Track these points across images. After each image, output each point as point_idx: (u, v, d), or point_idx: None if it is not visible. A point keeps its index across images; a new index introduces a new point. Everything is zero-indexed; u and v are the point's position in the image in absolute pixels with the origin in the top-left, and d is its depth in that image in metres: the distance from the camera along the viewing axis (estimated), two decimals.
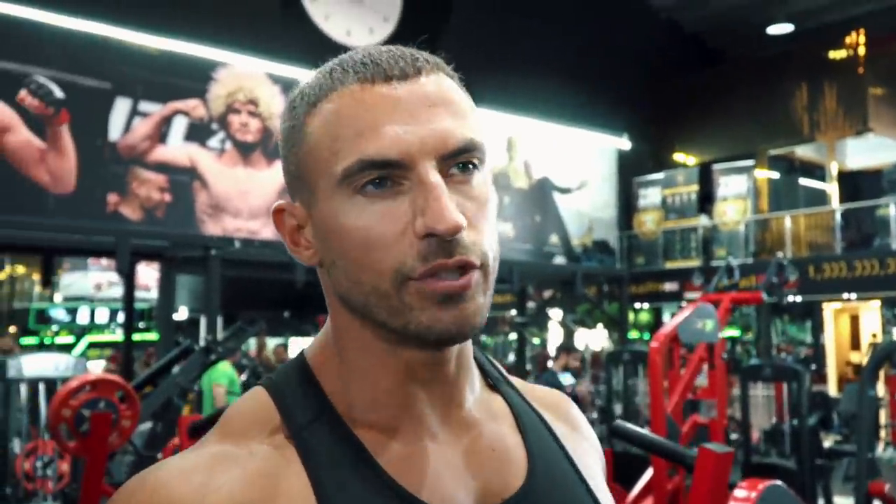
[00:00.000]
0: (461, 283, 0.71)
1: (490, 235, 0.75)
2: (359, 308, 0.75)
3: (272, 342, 15.90)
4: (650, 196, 17.35)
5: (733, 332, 18.86)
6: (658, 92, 18.14)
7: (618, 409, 10.64)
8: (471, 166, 0.74)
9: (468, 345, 0.81)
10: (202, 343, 7.01)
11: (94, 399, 4.90)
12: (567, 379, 7.67)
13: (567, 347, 9.17)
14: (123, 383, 5.14)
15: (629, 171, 17.42)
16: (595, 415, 11.51)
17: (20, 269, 19.24)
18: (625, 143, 17.39)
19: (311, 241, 0.78)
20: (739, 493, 2.97)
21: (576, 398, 7.54)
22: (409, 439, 0.77)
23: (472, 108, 0.78)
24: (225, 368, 8.18)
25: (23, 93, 10.46)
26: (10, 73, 10.43)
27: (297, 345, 18.48)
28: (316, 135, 0.75)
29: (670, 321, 6.19)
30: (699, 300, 6.72)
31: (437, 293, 0.70)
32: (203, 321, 10.78)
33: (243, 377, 10.90)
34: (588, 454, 0.89)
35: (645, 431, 3.54)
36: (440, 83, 0.75)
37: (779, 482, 3.07)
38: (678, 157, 18.35)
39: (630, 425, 3.29)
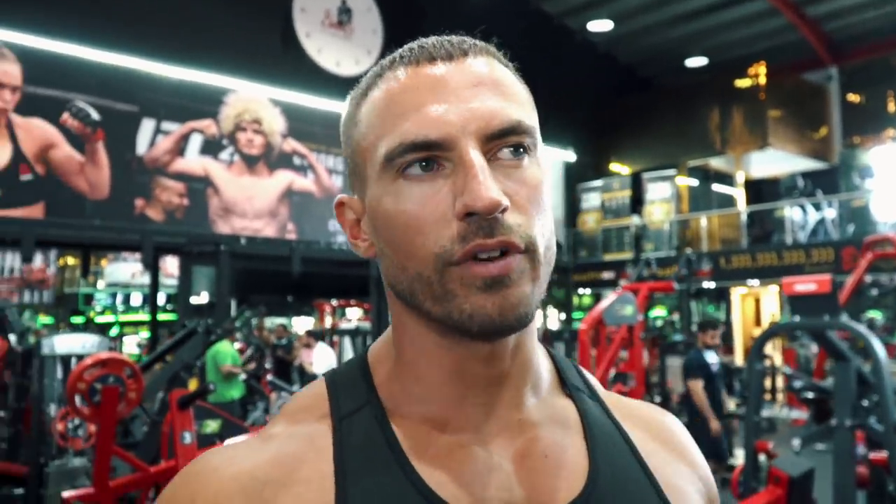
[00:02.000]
0: (500, 265, 0.56)
1: (541, 222, 0.59)
2: (405, 296, 0.61)
3: (276, 321, 15.79)
4: (591, 199, 17.29)
5: (661, 313, 18.89)
6: (598, 113, 18.10)
7: None
8: (521, 150, 0.60)
9: (528, 343, 0.64)
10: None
11: (104, 375, 4.78)
12: (711, 357, 6.47)
13: (706, 324, 7.76)
14: (130, 362, 4.99)
15: (574, 179, 17.39)
16: None
17: (71, 261, 19.13)
18: (570, 156, 17.35)
19: (367, 232, 0.65)
20: None
21: (712, 376, 6.34)
22: (453, 438, 0.62)
23: (525, 93, 0.64)
24: (227, 349, 8.02)
25: (65, 115, 10.54)
26: (54, 99, 10.47)
27: (299, 323, 18.36)
28: (364, 122, 0.62)
29: (597, 306, 6.11)
30: (622, 289, 6.65)
31: (477, 278, 0.56)
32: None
33: (249, 351, 10.77)
34: (683, 478, 0.68)
35: None
36: (489, 65, 0.62)
37: None
38: (614, 167, 18.31)
39: None
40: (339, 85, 13.12)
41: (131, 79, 10.99)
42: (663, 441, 0.71)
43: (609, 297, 6.00)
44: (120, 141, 10.96)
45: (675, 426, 0.74)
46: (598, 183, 17.31)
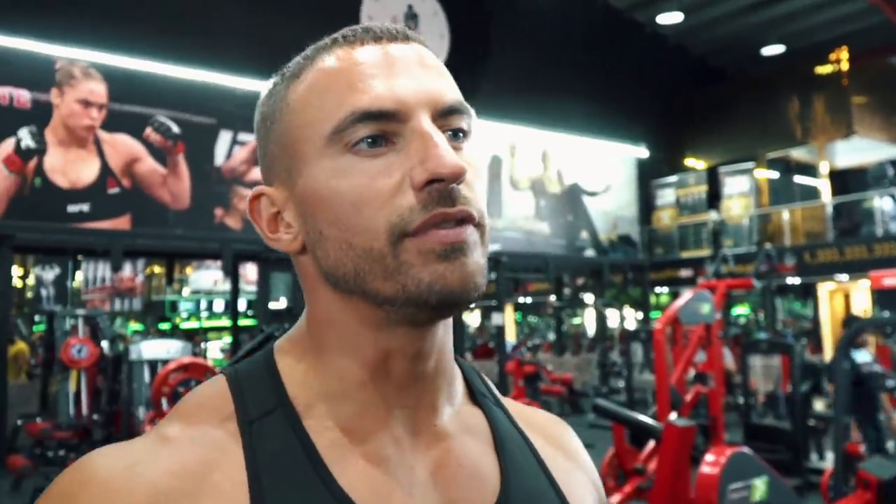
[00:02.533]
0: (458, 231, 0.56)
1: (484, 200, 0.60)
2: (349, 279, 0.58)
3: None
4: (666, 196, 16.92)
5: (744, 311, 18.32)
6: (670, 106, 17.70)
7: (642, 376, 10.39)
8: (461, 134, 0.60)
9: (449, 344, 0.64)
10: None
11: (187, 378, 4.93)
12: (862, 356, 6.00)
13: (851, 321, 7.06)
14: (211, 366, 5.16)
15: (647, 175, 17.03)
16: (621, 383, 11.28)
17: (157, 270, 19.87)
18: (643, 152, 17.00)
19: (291, 223, 0.61)
20: (709, 457, 2.74)
21: (862, 378, 5.91)
22: (371, 444, 0.60)
23: None
24: None
25: (148, 130, 10.90)
26: (138, 115, 10.85)
27: None
28: (300, 100, 0.60)
29: (672, 305, 5.94)
30: (699, 287, 6.45)
31: (437, 245, 0.55)
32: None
33: None
34: (581, 485, 0.69)
35: (620, 409, 3.36)
36: (429, 52, 0.62)
37: (744, 449, 2.84)
38: (689, 161, 17.86)
39: (608, 403, 3.11)
40: None
41: (208, 93, 11.33)
42: (560, 448, 0.71)
43: (685, 295, 5.83)
44: (199, 153, 11.30)
45: (569, 433, 0.75)
46: (672, 179, 16.92)
